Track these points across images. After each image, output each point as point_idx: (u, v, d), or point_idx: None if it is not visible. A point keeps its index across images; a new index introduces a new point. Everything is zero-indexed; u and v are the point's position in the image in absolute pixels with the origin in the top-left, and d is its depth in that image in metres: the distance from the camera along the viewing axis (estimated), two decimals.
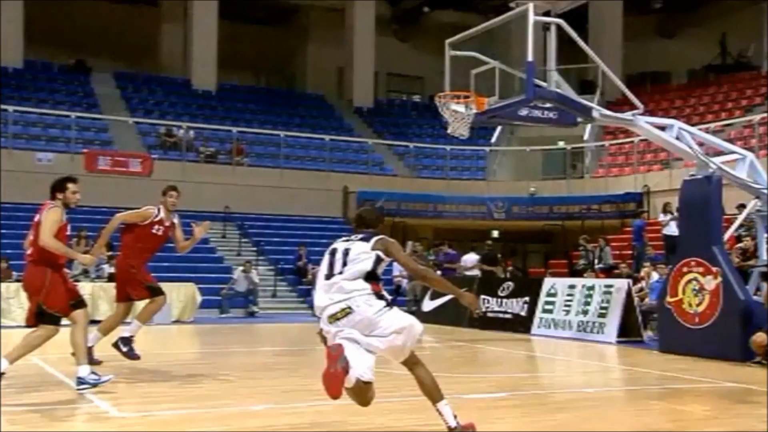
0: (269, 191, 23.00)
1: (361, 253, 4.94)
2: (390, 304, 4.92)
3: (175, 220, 8.17)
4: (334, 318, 4.87)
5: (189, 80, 28.38)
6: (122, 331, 8.16)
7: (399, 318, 4.90)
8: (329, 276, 4.96)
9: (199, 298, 16.73)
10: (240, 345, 12.44)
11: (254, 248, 21.51)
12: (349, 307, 4.82)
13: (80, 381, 6.61)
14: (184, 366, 8.26)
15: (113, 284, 8.62)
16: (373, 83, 31.31)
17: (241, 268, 19.14)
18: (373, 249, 4.96)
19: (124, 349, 8.02)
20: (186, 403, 6.62)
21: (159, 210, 8.02)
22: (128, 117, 24.96)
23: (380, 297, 4.91)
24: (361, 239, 5.03)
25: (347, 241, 5.08)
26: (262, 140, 25.56)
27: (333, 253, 5.02)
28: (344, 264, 4.93)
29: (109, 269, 15.48)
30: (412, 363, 4.98)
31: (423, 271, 5.17)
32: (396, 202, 24.26)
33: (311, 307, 19.54)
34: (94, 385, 6.61)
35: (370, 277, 4.91)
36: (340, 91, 31.58)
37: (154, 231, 7.93)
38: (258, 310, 18.65)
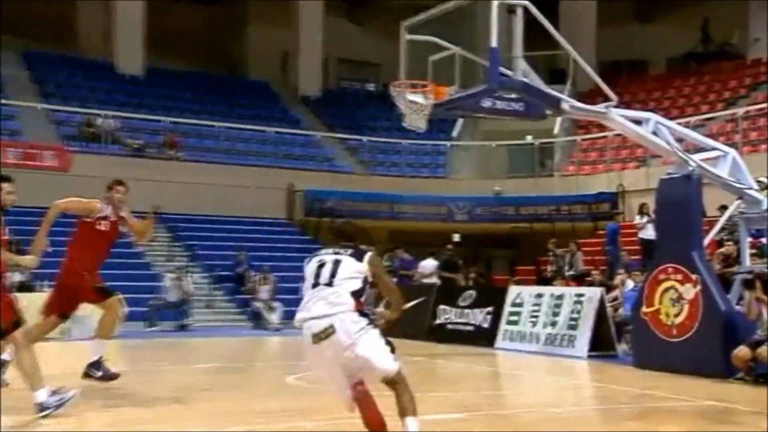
0: (205, 189, 22.77)
1: (356, 271, 5.40)
2: (372, 322, 5.32)
3: (124, 213, 8.09)
4: (317, 338, 5.25)
5: (112, 63, 27.95)
6: (89, 357, 8.09)
7: (375, 348, 5.28)
8: (316, 285, 5.38)
9: (123, 309, 16.50)
10: (171, 362, 12.29)
11: (187, 253, 21.30)
12: (332, 326, 5.21)
13: (41, 407, 6.45)
14: (106, 387, 8.13)
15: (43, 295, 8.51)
16: (322, 70, 31.27)
17: (172, 275, 18.94)
18: (366, 268, 5.45)
19: (99, 374, 8.01)
20: (109, 429, 6.50)
21: (105, 206, 7.95)
22: (40, 103, 24.38)
23: (363, 314, 5.32)
24: (352, 255, 5.47)
25: (336, 254, 5.49)
26: (198, 132, 25.33)
27: (322, 264, 5.45)
28: (333, 275, 5.37)
29: (18, 277, 15.13)
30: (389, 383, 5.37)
31: (397, 293, 5.66)
32: (347, 203, 24.25)
33: (251, 318, 19.74)
34: (59, 406, 6.47)
35: (356, 294, 5.35)
36: (286, 78, 31.46)
37: (98, 227, 7.87)
38: (191, 322, 18.47)
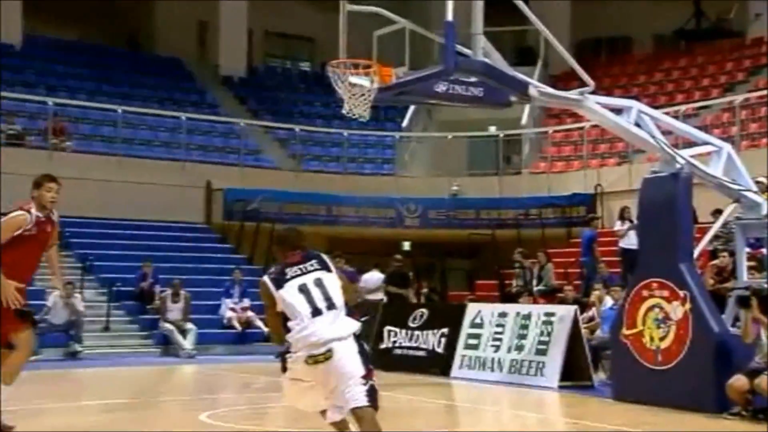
0: (102, 187, 22.40)
1: (337, 287, 6.22)
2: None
3: (54, 217, 8.15)
4: (314, 360, 5.98)
5: None
6: None
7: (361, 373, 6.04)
8: (317, 312, 6.09)
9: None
10: (55, 399, 12.04)
11: (79, 265, 20.89)
12: (330, 351, 5.97)
13: None
14: None
15: None
16: (246, 45, 31.15)
17: (58, 292, 18.64)
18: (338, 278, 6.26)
19: None
20: None
21: (31, 212, 7.97)
22: None
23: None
24: (322, 268, 6.26)
25: (309, 272, 6.20)
26: (93, 117, 25.01)
27: (304, 289, 6.12)
28: (328, 298, 6.14)
29: None
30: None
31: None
32: (276, 204, 24.20)
33: (159, 343, 19.56)
34: None
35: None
36: (202, 53, 31.27)
37: (26, 234, 7.91)
38: (82, 349, 18.22)
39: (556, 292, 18.06)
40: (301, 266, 6.21)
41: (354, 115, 10.53)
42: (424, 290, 21.13)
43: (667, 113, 15.73)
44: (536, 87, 11.01)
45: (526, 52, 27.48)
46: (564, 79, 25.03)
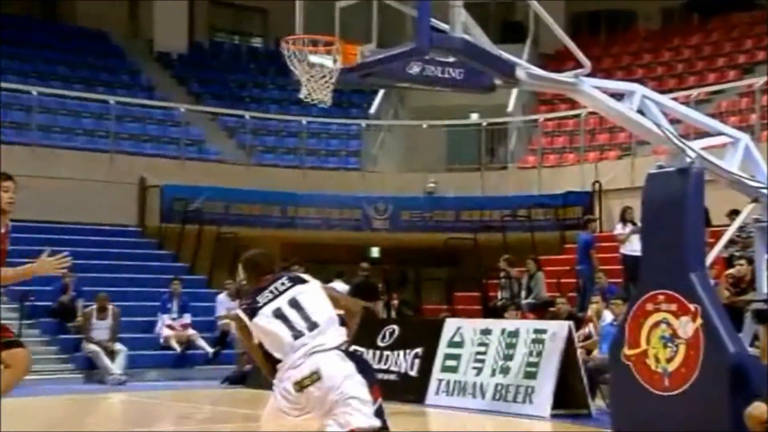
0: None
1: (318, 301, 6.44)
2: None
3: (8, 221, 8.20)
4: (300, 385, 6.17)
5: None
6: None
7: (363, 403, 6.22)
8: (298, 336, 6.27)
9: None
10: None
11: None
12: (317, 372, 6.14)
13: None
14: None
15: None
16: (187, 16, 31.05)
17: None
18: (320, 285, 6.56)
19: None
20: None
21: None
22: None
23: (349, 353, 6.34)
24: (295, 283, 6.48)
25: (277, 296, 6.40)
26: (3, 101, 24.80)
27: (280, 314, 6.33)
28: (307, 317, 6.33)
29: None
30: None
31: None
32: (223, 203, 24.18)
33: (83, 367, 19.40)
34: None
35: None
36: (134, 27, 31.15)
37: None
38: None
39: (547, 306, 18.15)
40: (271, 288, 6.44)
41: (314, 100, 10.54)
42: (395, 303, 21.16)
43: (675, 99, 15.85)
44: (524, 68, 11.06)
45: (513, 27, 27.60)
46: (557, 59, 25.17)
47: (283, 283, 6.46)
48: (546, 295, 18.94)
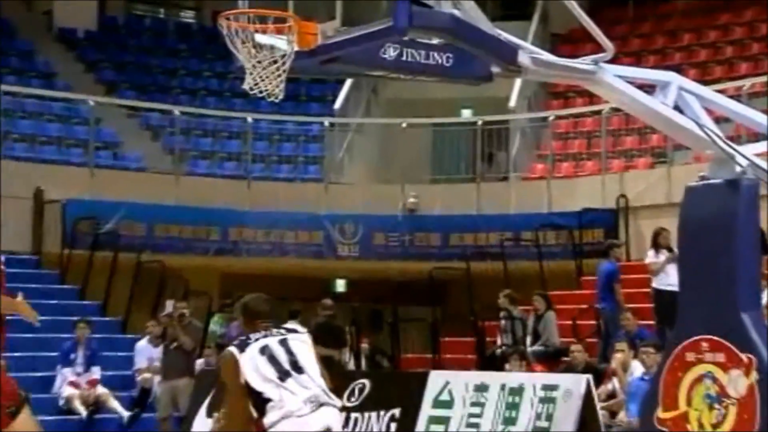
0: None
1: (307, 351, 7.74)
2: None
3: None
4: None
5: None
6: None
7: None
8: (286, 375, 7.50)
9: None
10: None
11: None
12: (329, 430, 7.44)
13: None
14: None
15: None
16: None
17: None
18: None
19: None
20: None
21: None
22: None
23: None
24: (289, 332, 7.85)
25: (268, 336, 7.72)
26: None
27: (266, 351, 7.59)
28: (293, 360, 7.59)
29: None
30: None
31: None
32: (144, 224, 24.07)
33: None
34: None
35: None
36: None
37: None
38: None
39: (559, 355, 18.17)
40: (269, 332, 7.75)
41: (262, 92, 10.56)
42: (366, 350, 21.13)
43: (721, 91, 15.89)
44: (530, 53, 11.11)
45: (516, 1, 27.69)
46: (571, 41, 25.32)
47: (279, 331, 7.81)
48: (558, 340, 18.96)
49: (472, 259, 23.89)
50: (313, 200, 26.00)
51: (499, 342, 19.60)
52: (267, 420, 7.38)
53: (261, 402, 7.44)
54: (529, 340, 19.13)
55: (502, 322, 19.81)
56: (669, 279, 16.76)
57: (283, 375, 7.52)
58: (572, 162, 26.14)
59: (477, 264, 23.76)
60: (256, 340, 7.70)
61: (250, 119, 26.82)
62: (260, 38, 10.38)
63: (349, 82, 27.31)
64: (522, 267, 23.47)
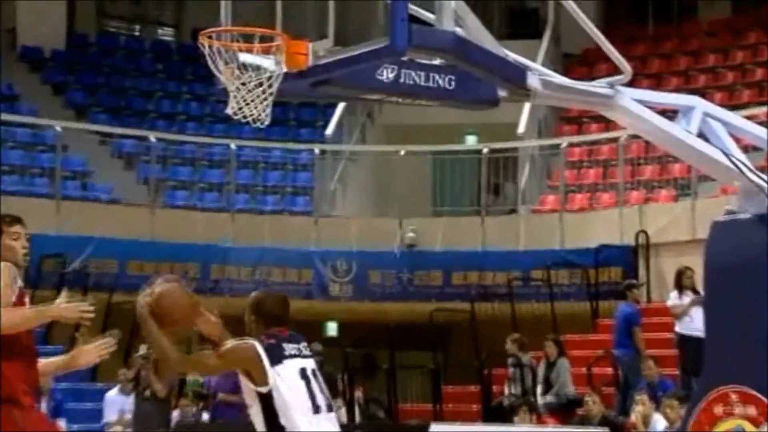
0: None
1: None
2: None
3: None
4: None
5: None
6: None
7: None
8: (317, 410, 7.60)
9: None
10: None
11: None
12: None
13: None
14: None
15: None
16: (65, 3, 30.97)
17: None
18: None
19: None
20: None
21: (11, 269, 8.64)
22: None
23: None
24: (311, 356, 7.92)
25: (302, 357, 7.81)
26: None
27: (306, 377, 7.68)
28: (326, 395, 7.74)
29: None
30: None
31: None
32: (116, 261, 24.02)
33: None
34: None
35: None
36: None
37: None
38: None
39: (573, 406, 18.14)
40: (296, 346, 7.78)
41: (246, 117, 10.58)
42: (360, 400, 21.10)
43: (750, 117, 15.93)
44: (541, 75, 11.15)
45: (525, 18, 27.80)
46: (586, 62, 25.41)
47: (305, 347, 7.84)
48: (572, 390, 18.94)
49: (476, 300, 23.86)
50: (302, 235, 25.98)
51: (506, 392, 19.58)
52: None
53: (276, 424, 7.50)
54: (539, 389, 19.11)
55: (510, 369, 19.80)
56: (694, 323, 16.76)
57: (317, 408, 7.59)
58: (587, 194, 26.13)
59: (482, 305, 23.75)
60: (291, 356, 7.69)
61: (233, 146, 26.81)
62: (245, 58, 10.41)
63: (342, 106, 27.30)
64: (532, 309, 23.50)
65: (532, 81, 10.99)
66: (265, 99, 10.49)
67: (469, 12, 10.48)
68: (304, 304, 25.03)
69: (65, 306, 8.56)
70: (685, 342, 17.56)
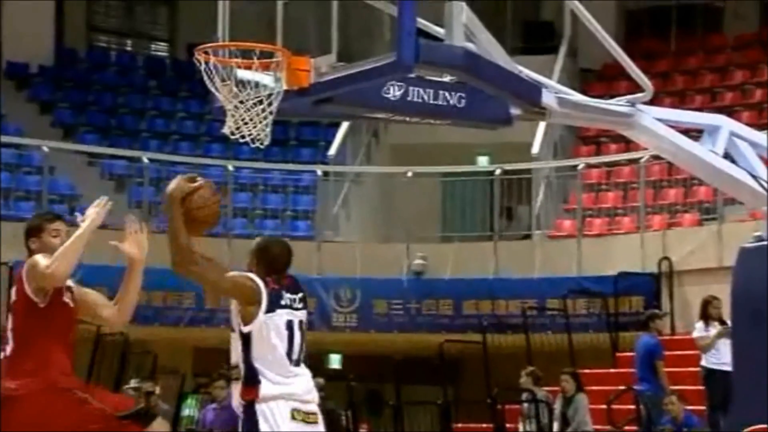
0: None
1: None
2: None
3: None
4: (303, 417, 8.19)
5: None
6: None
7: None
8: (292, 362, 8.35)
9: None
10: None
11: None
12: (316, 415, 8.29)
13: None
14: None
15: None
16: (53, 12, 31.07)
17: None
18: None
19: None
20: None
21: None
22: None
23: None
24: (304, 308, 8.54)
25: (294, 309, 8.48)
26: None
27: (291, 328, 8.37)
28: (303, 348, 8.53)
29: None
30: None
31: None
32: (106, 290, 23.55)
33: None
34: None
35: None
36: None
37: (65, 300, 9.37)
38: None
39: None
40: (291, 296, 8.40)
41: (245, 137, 10.60)
42: None
43: None
44: (556, 92, 11.17)
45: (539, 31, 27.80)
46: (604, 79, 25.40)
47: (301, 299, 8.53)
48: (590, 428, 18.91)
49: (489, 330, 23.84)
50: (303, 261, 25.85)
51: (521, 429, 19.59)
52: (264, 391, 8.11)
53: (252, 371, 8.14)
54: (556, 426, 19.09)
55: (525, 405, 19.79)
56: (721, 356, 16.71)
57: (295, 361, 8.33)
58: (606, 218, 26.13)
59: (495, 337, 23.73)
60: (284, 306, 8.29)
61: (230, 167, 26.81)
62: (243, 75, 10.44)
63: (345, 126, 27.33)
64: (547, 340, 23.48)
65: (548, 98, 11.01)
66: (265, 118, 10.52)
67: (480, 26, 10.51)
68: (308, 335, 24.99)
69: (92, 213, 9.44)
70: (712, 376, 17.50)
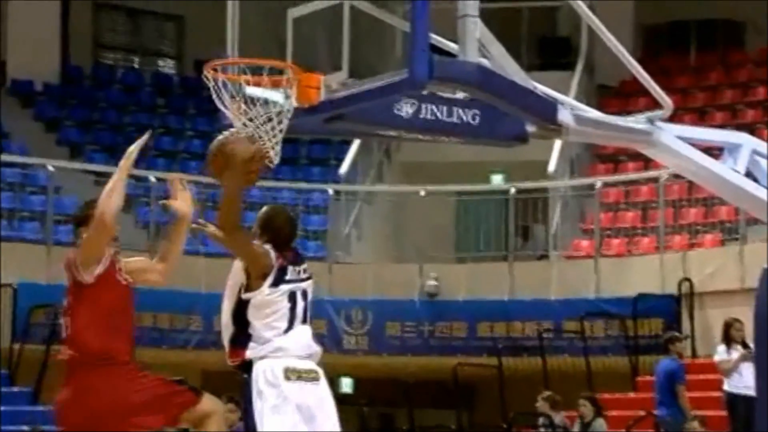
0: None
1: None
2: None
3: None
4: (298, 375, 8.55)
5: None
6: None
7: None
8: (290, 328, 8.69)
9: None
10: None
11: None
12: (317, 372, 8.72)
13: None
14: None
15: None
16: (59, 29, 31.14)
17: None
18: None
19: None
20: None
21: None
22: None
23: None
24: (310, 277, 8.96)
25: (298, 281, 8.79)
26: None
27: (293, 299, 8.73)
28: (306, 313, 8.82)
29: None
30: None
31: None
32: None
33: None
34: None
35: None
36: None
37: (119, 279, 9.80)
38: None
39: None
40: (296, 268, 8.70)
41: None
42: None
43: None
44: (573, 109, 11.15)
45: (555, 47, 27.81)
46: (622, 95, 25.40)
47: (305, 270, 8.80)
48: None
49: (504, 353, 23.86)
50: (316, 282, 25.89)
51: None
52: (251, 353, 8.56)
53: (244, 333, 8.65)
54: None
55: (541, 430, 19.75)
56: (744, 380, 16.68)
57: (289, 327, 8.58)
58: (624, 238, 26.11)
59: (510, 360, 23.77)
60: (289, 281, 8.59)
61: None
62: (253, 92, 10.41)
63: (357, 144, 27.36)
64: (564, 364, 23.46)
65: (564, 116, 10.98)
66: (275, 136, 10.48)
67: (494, 41, 10.48)
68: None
69: (130, 154, 9.92)
70: (735, 401, 17.47)
